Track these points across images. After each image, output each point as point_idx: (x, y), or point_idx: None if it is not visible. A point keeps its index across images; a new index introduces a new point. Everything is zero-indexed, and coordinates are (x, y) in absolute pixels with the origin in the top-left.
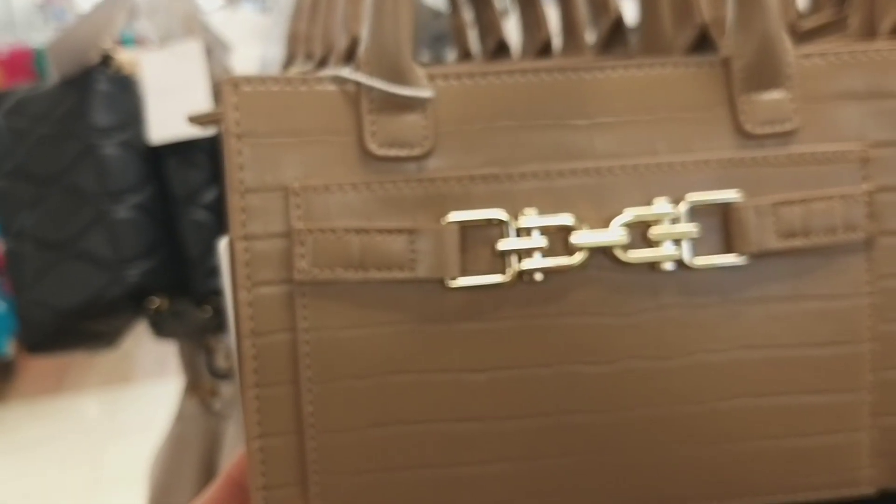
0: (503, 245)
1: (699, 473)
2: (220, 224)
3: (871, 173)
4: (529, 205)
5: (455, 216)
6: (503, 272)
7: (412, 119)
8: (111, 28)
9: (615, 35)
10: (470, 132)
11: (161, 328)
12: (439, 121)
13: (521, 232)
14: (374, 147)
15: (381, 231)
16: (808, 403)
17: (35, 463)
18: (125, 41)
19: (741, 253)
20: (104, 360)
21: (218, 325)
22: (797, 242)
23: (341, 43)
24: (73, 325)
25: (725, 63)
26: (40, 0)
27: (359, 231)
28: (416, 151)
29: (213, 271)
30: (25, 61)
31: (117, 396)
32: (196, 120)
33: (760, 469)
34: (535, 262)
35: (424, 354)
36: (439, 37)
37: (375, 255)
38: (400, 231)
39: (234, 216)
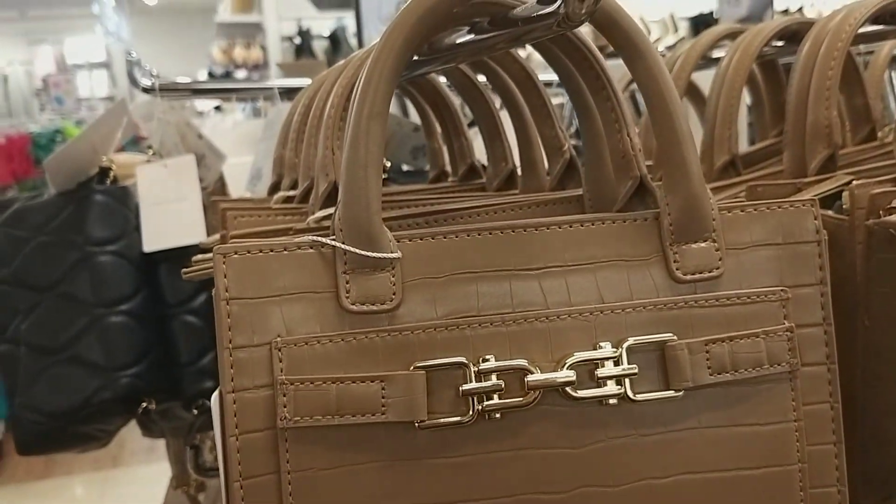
0: (466, 388)
1: None
2: (208, 328)
3: (790, 312)
4: (488, 349)
5: (421, 363)
6: (466, 412)
7: (382, 277)
8: (108, 143)
9: (567, 173)
10: (433, 285)
11: (149, 428)
12: (406, 276)
13: (480, 375)
14: (348, 304)
15: (355, 380)
16: None
17: None
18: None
19: (678, 388)
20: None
21: (204, 424)
22: (727, 376)
23: (321, 186)
24: (64, 428)
25: (657, 218)
26: (38, 86)
27: (335, 381)
28: (387, 306)
29: (202, 373)
30: (22, 147)
31: (106, 479)
32: (189, 274)
33: None
34: (494, 402)
35: (397, 488)
36: (419, 147)
37: (350, 401)
38: (372, 379)
39: (224, 371)
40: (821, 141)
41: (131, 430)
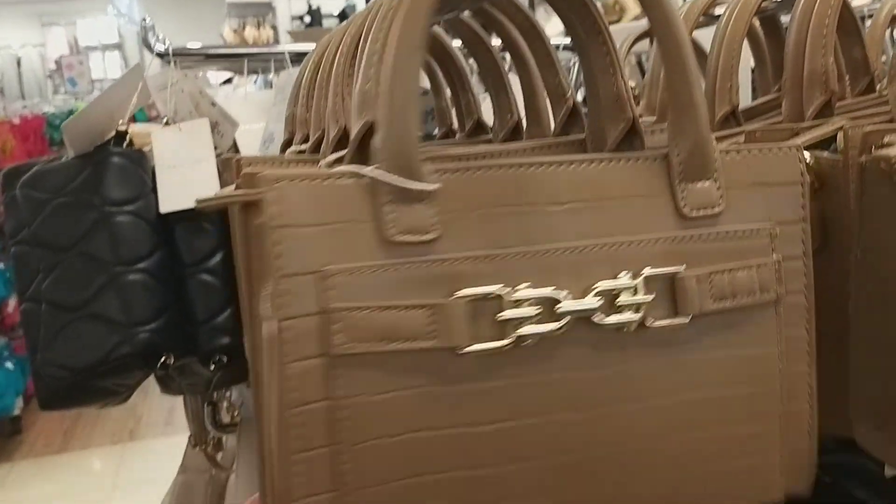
0: (504, 315)
1: (657, 497)
2: (224, 286)
3: (778, 246)
4: (522, 279)
5: (463, 292)
6: (503, 338)
7: (422, 209)
8: (124, 108)
9: (571, 119)
10: (471, 218)
11: (168, 384)
12: (445, 208)
13: (516, 303)
14: (391, 234)
15: (402, 308)
16: (734, 430)
17: None
18: (136, 116)
19: (686, 314)
20: (110, 418)
21: (222, 380)
22: (727, 304)
23: (332, 131)
24: (85, 383)
25: (665, 158)
26: (51, 68)
27: (385, 308)
28: (428, 237)
29: (219, 329)
30: (37, 128)
31: (123, 453)
32: (203, 203)
33: (699, 487)
34: (530, 328)
35: (441, 413)
36: (427, 112)
37: (398, 328)
38: (420, 307)
39: (274, 300)
40: (817, 87)
41: (148, 405)
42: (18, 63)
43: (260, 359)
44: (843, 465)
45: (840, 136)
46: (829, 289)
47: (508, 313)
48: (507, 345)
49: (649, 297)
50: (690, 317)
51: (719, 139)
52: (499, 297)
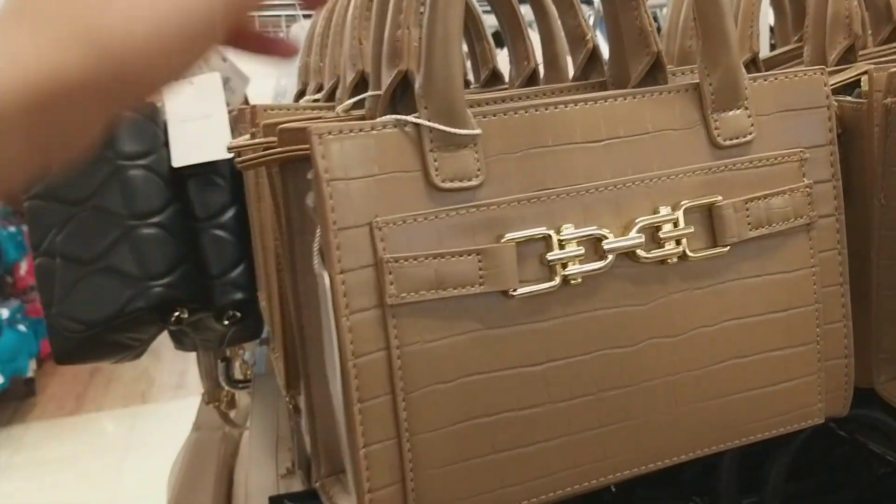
0: (552, 256)
1: (703, 423)
2: (237, 241)
3: (808, 170)
4: (565, 219)
5: (511, 236)
6: (550, 279)
7: (467, 154)
8: None
9: (591, 63)
10: (511, 161)
11: (181, 340)
12: (487, 153)
13: (561, 243)
14: (438, 181)
15: (453, 254)
16: (776, 354)
17: (56, 480)
18: None
19: (725, 244)
20: (122, 381)
21: (235, 336)
22: (764, 230)
23: (348, 77)
24: (99, 337)
25: (696, 89)
26: None
27: (435, 256)
28: (474, 182)
29: (232, 285)
30: None
31: (135, 415)
32: (233, 149)
33: (745, 412)
34: (577, 268)
35: (492, 355)
36: None
37: (450, 275)
38: (469, 253)
39: (331, 252)
40: (841, 31)
41: (160, 368)
42: None
43: (311, 314)
44: (858, 418)
45: (864, 78)
46: (851, 237)
47: (555, 254)
48: (555, 285)
49: (690, 229)
50: (729, 246)
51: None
52: (545, 238)
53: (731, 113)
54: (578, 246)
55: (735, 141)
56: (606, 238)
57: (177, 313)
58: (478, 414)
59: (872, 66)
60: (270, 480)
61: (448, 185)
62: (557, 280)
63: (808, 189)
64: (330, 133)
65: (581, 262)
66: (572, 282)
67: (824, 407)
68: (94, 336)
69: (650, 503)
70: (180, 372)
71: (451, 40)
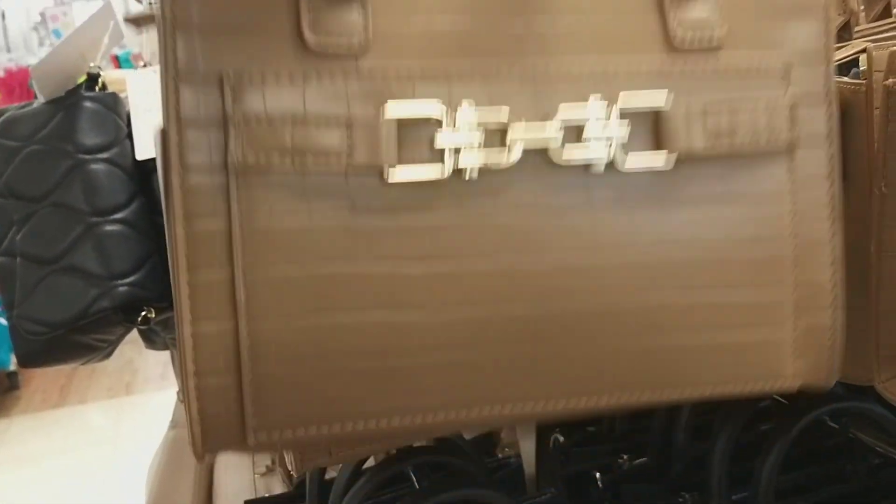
0: (440, 141)
1: (630, 365)
2: None
3: (794, 82)
4: (467, 96)
5: (392, 109)
6: (439, 168)
7: (350, 10)
8: (95, 49)
9: None
10: (410, 25)
11: (152, 339)
12: (379, 13)
13: (455, 123)
14: (310, 37)
15: (317, 121)
16: (733, 298)
17: (42, 474)
18: (122, 60)
19: (670, 151)
20: (107, 371)
21: None
22: (724, 142)
23: None
24: (64, 338)
25: None
26: (36, 20)
27: (293, 120)
28: (355, 41)
29: None
30: (22, 80)
31: (121, 406)
32: None
33: (689, 361)
34: (471, 156)
35: (362, 243)
36: None
37: (311, 142)
38: (337, 120)
39: (169, 101)
40: (836, 6)
41: (144, 359)
42: (3, 16)
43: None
44: (850, 410)
45: (863, 58)
46: (849, 228)
47: (447, 139)
48: (441, 174)
49: (623, 130)
50: (673, 157)
51: None
52: (436, 115)
53: (695, 3)
54: (478, 130)
55: (698, 34)
56: (513, 124)
57: (143, 313)
58: (337, 307)
59: (871, 45)
60: (247, 480)
61: (323, 39)
62: (446, 168)
63: (790, 101)
64: None
65: (480, 152)
66: (467, 174)
67: (800, 372)
68: (59, 338)
69: (638, 498)
70: (164, 363)
71: None
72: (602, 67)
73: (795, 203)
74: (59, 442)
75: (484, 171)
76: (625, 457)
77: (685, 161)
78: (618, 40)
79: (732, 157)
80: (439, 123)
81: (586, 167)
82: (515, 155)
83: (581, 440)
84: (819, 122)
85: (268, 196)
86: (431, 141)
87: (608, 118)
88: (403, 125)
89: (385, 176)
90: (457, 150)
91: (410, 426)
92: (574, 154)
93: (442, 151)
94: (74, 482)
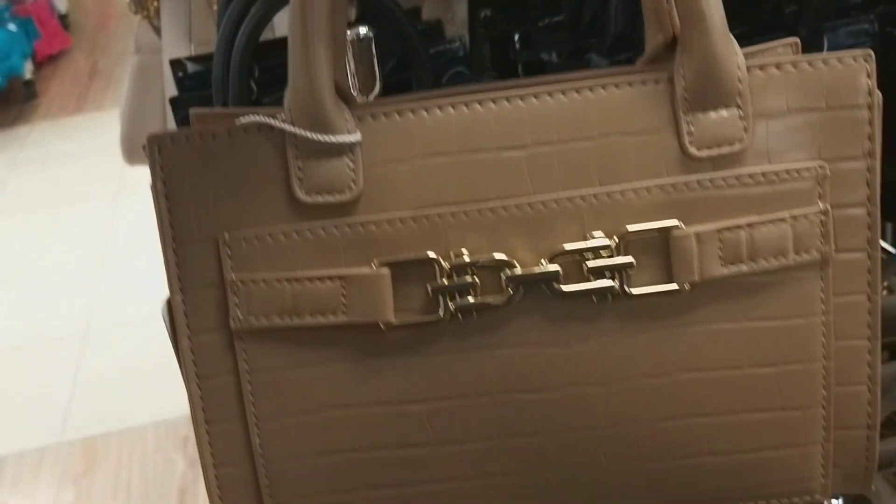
0: (434, 285)
1: (645, 484)
2: None
3: (827, 192)
4: (462, 243)
5: (385, 259)
6: (437, 311)
7: (339, 164)
8: None
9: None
10: (400, 171)
11: None
12: (368, 161)
13: (453, 271)
14: (301, 194)
15: (311, 279)
16: (756, 421)
17: (62, 175)
18: None
19: (683, 283)
20: (122, 80)
21: None
22: (742, 268)
23: None
24: None
25: (671, 81)
26: None
27: (290, 280)
28: (346, 196)
29: None
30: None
31: None
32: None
33: (708, 480)
34: (468, 301)
35: (364, 388)
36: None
37: (308, 301)
38: (331, 278)
39: (170, 269)
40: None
41: None
42: None
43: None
44: None
45: None
46: None
47: (440, 284)
48: (436, 320)
49: (628, 260)
50: (685, 285)
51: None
52: (431, 262)
53: (714, 113)
54: (474, 276)
55: (716, 151)
56: (512, 266)
57: None
58: (347, 448)
59: None
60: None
61: (312, 198)
62: (441, 314)
63: (821, 216)
64: (172, 141)
65: (477, 295)
66: (468, 316)
67: (832, 482)
68: None
69: (550, 45)
70: None
71: (312, 33)
72: (607, 198)
73: (828, 315)
74: (77, 146)
75: (483, 308)
76: (546, 20)
77: (701, 283)
78: (625, 165)
79: (755, 276)
80: (434, 272)
81: (592, 297)
82: (511, 295)
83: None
84: (859, 227)
85: (272, 351)
86: (427, 288)
87: (613, 253)
88: (398, 275)
89: (382, 326)
90: (453, 293)
91: None
92: (577, 287)
93: (436, 295)
94: (93, 181)
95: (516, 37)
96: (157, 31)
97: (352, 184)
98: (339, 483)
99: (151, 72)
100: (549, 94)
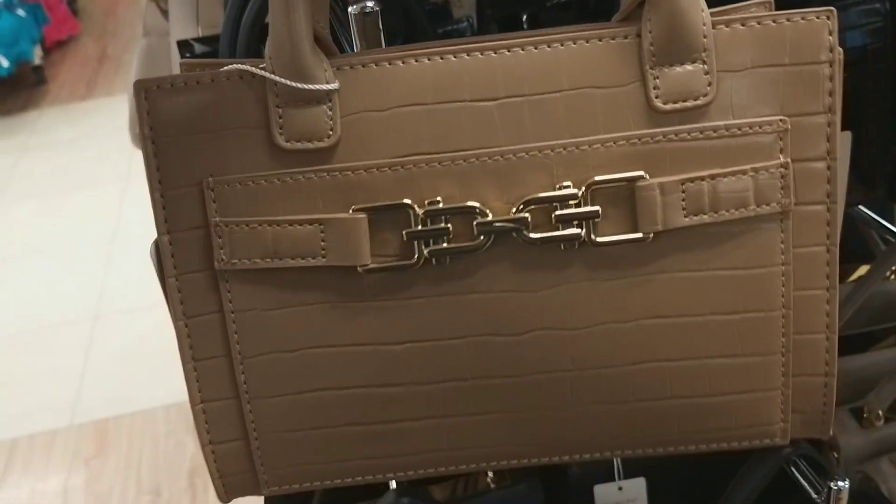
0: (410, 231)
1: (611, 426)
2: None
3: (787, 145)
4: (436, 190)
5: (362, 205)
6: (410, 256)
7: (318, 111)
8: None
9: None
10: (377, 119)
11: None
12: (346, 109)
13: (427, 217)
14: (281, 140)
15: (292, 223)
16: (717, 366)
17: (72, 160)
18: None
19: (647, 232)
20: (132, 65)
21: None
22: (706, 219)
23: None
24: None
25: (639, 36)
26: None
27: (271, 223)
28: (324, 143)
29: None
30: None
31: None
32: None
33: (671, 422)
34: (442, 246)
35: (344, 329)
36: None
37: (288, 244)
38: (310, 222)
39: (157, 212)
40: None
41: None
42: None
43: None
44: None
45: None
46: None
47: (416, 230)
48: (411, 264)
49: (595, 209)
50: (650, 234)
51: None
52: (405, 210)
53: (679, 68)
54: (447, 223)
55: (681, 105)
56: (484, 214)
57: None
58: (327, 386)
59: None
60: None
61: (292, 144)
62: (416, 258)
63: (781, 169)
64: (157, 87)
65: (450, 241)
66: (441, 260)
67: (792, 426)
68: None
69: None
70: None
71: None
72: (575, 149)
73: (787, 265)
74: (86, 130)
75: (457, 254)
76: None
77: (664, 233)
78: (594, 118)
79: (717, 226)
80: (409, 218)
81: (560, 244)
82: (482, 242)
83: None
84: (818, 180)
85: (255, 291)
86: (402, 234)
87: (580, 202)
88: (374, 220)
89: (359, 269)
90: (428, 239)
91: (398, 480)
92: (545, 234)
93: (412, 240)
94: (102, 166)
95: (524, 17)
96: (165, 13)
97: (330, 131)
98: (319, 418)
99: (159, 54)
100: (521, 47)
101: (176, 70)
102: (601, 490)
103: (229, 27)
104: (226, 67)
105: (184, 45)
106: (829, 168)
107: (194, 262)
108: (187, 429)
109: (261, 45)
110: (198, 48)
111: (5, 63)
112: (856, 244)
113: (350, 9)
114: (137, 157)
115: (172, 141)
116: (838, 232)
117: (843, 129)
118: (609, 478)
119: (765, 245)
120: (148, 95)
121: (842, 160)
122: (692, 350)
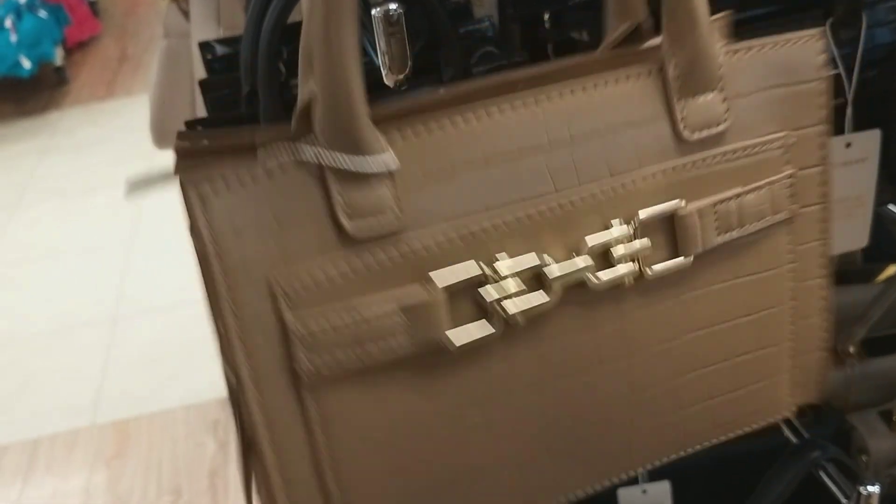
0: (486, 297)
1: (655, 438)
2: None
3: (793, 157)
4: (501, 249)
5: (438, 281)
6: (490, 323)
7: (379, 185)
8: None
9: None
10: (434, 188)
11: None
12: (404, 183)
13: (497, 278)
14: (346, 222)
15: (371, 307)
16: (743, 362)
17: (93, 160)
18: None
19: (689, 255)
20: (151, 66)
21: None
22: (735, 234)
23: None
24: None
25: (661, 70)
26: None
27: (351, 314)
28: (390, 219)
29: None
30: None
31: None
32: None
33: (706, 421)
34: (517, 304)
35: (427, 405)
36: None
37: (371, 331)
38: (390, 303)
39: (227, 323)
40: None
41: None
42: None
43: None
44: None
45: None
46: None
47: (491, 294)
48: (497, 332)
49: (646, 243)
50: (691, 258)
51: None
52: (479, 275)
53: (700, 99)
54: (516, 279)
55: (705, 133)
56: (548, 267)
57: None
58: (418, 472)
59: None
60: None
61: (358, 225)
62: (498, 325)
63: (790, 180)
64: (215, 193)
65: (522, 299)
66: (514, 321)
67: (792, 401)
68: None
69: (578, 23)
70: None
71: (344, 51)
72: (620, 187)
73: (793, 262)
74: (107, 131)
75: (533, 313)
76: None
77: (701, 253)
78: (630, 154)
79: (740, 238)
80: (480, 281)
81: (617, 283)
82: (556, 293)
83: None
84: (814, 184)
85: (341, 395)
86: (475, 298)
87: (631, 238)
88: (449, 290)
89: (445, 344)
90: (500, 302)
91: None
92: (606, 278)
93: (487, 306)
94: (123, 167)
95: (546, 16)
96: (186, 14)
97: (393, 206)
98: (407, 492)
99: (180, 56)
100: (560, 94)
101: (198, 71)
102: (625, 494)
103: (251, 28)
104: (275, 155)
105: (205, 47)
106: (822, 171)
107: (273, 370)
108: (206, 429)
109: (282, 45)
110: (219, 49)
111: (28, 64)
112: (885, 243)
113: (373, 11)
114: (158, 157)
115: (233, 245)
116: (831, 225)
117: (872, 127)
118: (632, 481)
119: (776, 249)
120: (201, 195)
121: (871, 159)
122: (725, 353)
